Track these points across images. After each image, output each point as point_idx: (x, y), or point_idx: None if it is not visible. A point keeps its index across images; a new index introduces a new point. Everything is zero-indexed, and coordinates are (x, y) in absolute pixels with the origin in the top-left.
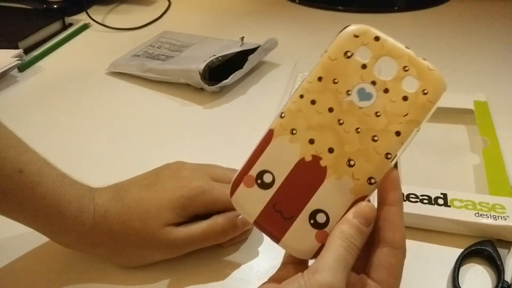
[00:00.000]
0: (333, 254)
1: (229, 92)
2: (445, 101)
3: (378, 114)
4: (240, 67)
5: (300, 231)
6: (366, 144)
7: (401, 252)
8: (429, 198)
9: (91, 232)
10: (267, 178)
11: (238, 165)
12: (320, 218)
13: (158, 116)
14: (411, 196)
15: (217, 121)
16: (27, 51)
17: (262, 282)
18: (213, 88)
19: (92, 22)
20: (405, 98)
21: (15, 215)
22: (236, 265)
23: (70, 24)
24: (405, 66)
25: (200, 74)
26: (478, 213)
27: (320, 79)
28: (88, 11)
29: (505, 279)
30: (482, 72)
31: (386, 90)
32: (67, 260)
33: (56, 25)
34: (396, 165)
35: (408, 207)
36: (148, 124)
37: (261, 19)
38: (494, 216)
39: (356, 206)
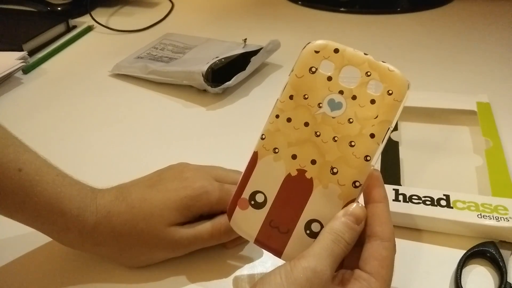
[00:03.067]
0: (320, 244)
1: (232, 93)
2: (448, 102)
3: (351, 120)
4: (243, 68)
5: (299, 243)
6: (345, 151)
7: (391, 245)
8: (432, 199)
9: (94, 232)
10: (259, 198)
11: (241, 166)
12: (315, 227)
13: (161, 118)
14: (413, 197)
15: (220, 122)
16: (31, 53)
17: None
18: (216, 89)
19: (95, 24)
20: (372, 102)
21: (16, 215)
22: (239, 265)
23: (74, 27)
24: (367, 72)
25: (203, 76)
26: (480, 215)
27: (291, 97)
28: (92, 13)
29: (508, 280)
30: (484, 73)
31: (354, 97)
32: (69, 260)
33: (60, 27)
34: (398, 167)
35: (411, 209)
36: (151, 126)
37: (264, 21)
38: (497, 218)
39: (346, 207)
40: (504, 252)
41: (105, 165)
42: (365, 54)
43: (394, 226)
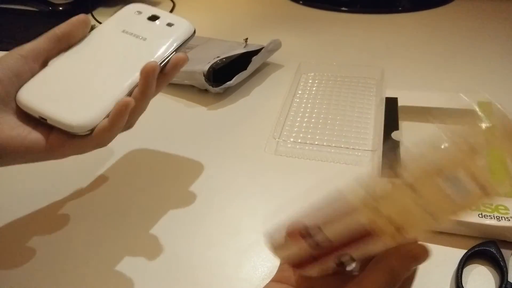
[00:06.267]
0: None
1: (233, 93)
2: (449, 102)
3: (453, 199)
4: (244, 68)
5: (323, 268)
6: (424, 220)
7: None
8: None
9: None
10: (319, 235)
11: (241, 167)
12: (345, 258)
13: (163, 117)
14: None
15: (221, 122)
16: None
17: (266, 283)
18: (217, 89)
19: (97, 24)
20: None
21: None
22: (241, 265)
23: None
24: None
25: (204, 76)
26: (481, 214)
27: (434, 175)
28: (94, 13)
29: (509, 280)
30: (486, 72)
31: (474, 179)
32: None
33: None
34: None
35: None
36: (152, 125)
37: (265, 21)
38: (498, 217)
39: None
40: (505, 252)
41: (106, 164)
42: None
43: None
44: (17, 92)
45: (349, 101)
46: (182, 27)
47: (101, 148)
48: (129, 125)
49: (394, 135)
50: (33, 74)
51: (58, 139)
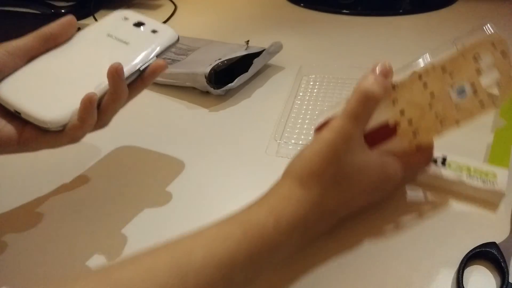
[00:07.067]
0: None
1: (234, 95)
2: None
3: (458, 108)
4: (245, 70)
5: None
6: (435, 126)
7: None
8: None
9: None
10: None
11: (242, 168)
12: None
13: (164, 119)
14: None
15: (222, 124)
16: None
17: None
18: (218, 91)
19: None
20: (482, 105)
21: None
22: None
23: (78, 29)
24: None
25: (205, 78)
26: (469, 176)
27: (444, 70)
28: (95, 15)
29: (510, 281)
30: None
31: (475, 92)
32: None
33: None
34: None
35: None
36: (154, 127)
37: (266, 23)
38: (484, 180)
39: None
40: (506, 253)
41: (104, 165)
42: None
43: None
44: None
45: None
46: (166, 34)
47: (98, 150)
48: (103, 123)
49: None
50: (16, 70)
51: (32, 134)
